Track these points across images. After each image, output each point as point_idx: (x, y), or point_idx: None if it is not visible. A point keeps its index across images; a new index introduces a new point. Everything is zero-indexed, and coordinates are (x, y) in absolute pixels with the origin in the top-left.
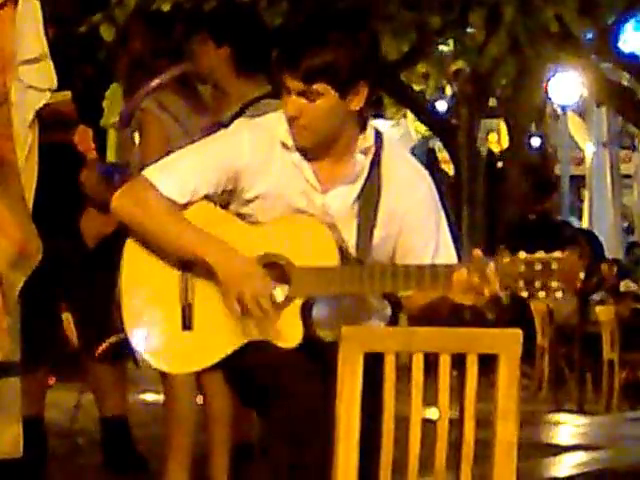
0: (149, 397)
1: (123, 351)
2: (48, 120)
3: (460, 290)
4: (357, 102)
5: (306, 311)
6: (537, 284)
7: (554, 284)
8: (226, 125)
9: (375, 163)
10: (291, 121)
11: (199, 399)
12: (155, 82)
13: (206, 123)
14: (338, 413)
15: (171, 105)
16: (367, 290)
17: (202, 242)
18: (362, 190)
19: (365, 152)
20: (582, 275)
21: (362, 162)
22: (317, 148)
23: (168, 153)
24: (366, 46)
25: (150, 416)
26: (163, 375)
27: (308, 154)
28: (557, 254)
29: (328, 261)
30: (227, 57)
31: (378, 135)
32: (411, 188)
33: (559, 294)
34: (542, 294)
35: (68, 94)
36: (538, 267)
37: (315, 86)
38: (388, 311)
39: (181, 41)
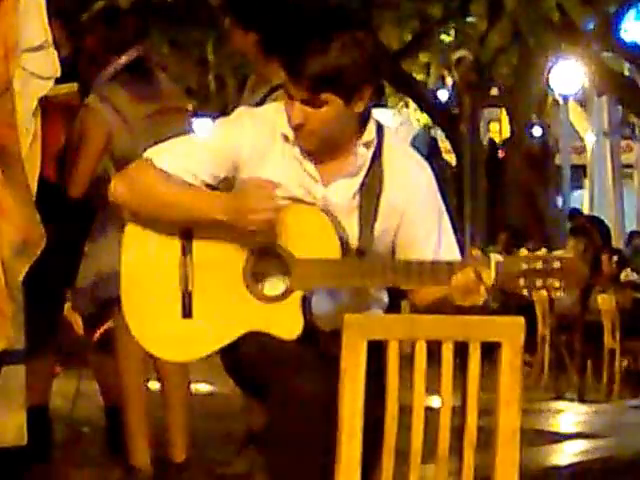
0: (153, 385)
1: None
2: (53, 111)
3: (459, 292)
4: (361, 104)
5: (306, 302)
6: (538, 282)
7: (555, 283)
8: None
9: (376, 156)
10: (297, 128)
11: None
12: (102, 76)
13: (152, 110)
14: (341, 401)
15: (113, 96)
16: (367, 284)
17: (206, 201)
18: (363, 183)
19: (367, 145)
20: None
21: (364, 155)
22: (321, 149)
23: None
24: (369, 49)
25: (154, 404)
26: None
27: (310, 151)
28: (559, 253)
29: (329, 252)
30: (255, 41)
31: (380, 128)
32: (412, 180)
33: (560, 293)
34: (543, 292)
35: (74, 86)
36: (539, 265)
37: (321, 95)
38: (386, 299)
39: (134, 35)
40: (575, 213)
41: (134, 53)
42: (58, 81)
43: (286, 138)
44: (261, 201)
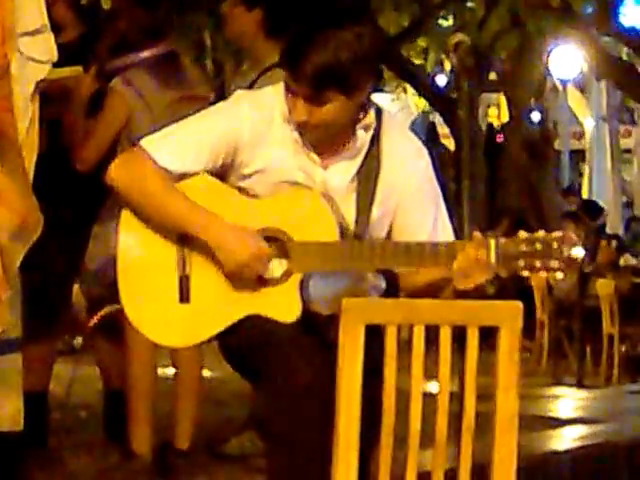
0: (169, 371)
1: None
2: (57, 95)
3: (461, 275)
4: (362, 96)
5: (305, 285)
6: (538, 264)
7: (555, 264)
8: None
9: (375, 139)
10: (302, 125)
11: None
12: (126, 60)
13: (175, 98)
14: (339, 385)
15: (138, 81)
16: (367, 266)
17: (198, 217)
18: (362, 165)
19: (366, 128)
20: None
21: (362, 138)
22: (322, 139)
23: (126, 128)
24: (370, 42)
25: (161, 390)
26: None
27: (312, 142)
28: (558, 234)
29: (327, 236)
30: (258, 20)
31: (378, 111)
32: (410, 163)
33: (560, 274)
34: (543, 274)
35: (79, 69)
36: (539, 247)
37: (324, 92)
38: (383, 284)
39: (165, 19)
40: (570, 192)
41: (167, 46)
42: (63, 64)
43: (288, 120)
44: (256, 265)
